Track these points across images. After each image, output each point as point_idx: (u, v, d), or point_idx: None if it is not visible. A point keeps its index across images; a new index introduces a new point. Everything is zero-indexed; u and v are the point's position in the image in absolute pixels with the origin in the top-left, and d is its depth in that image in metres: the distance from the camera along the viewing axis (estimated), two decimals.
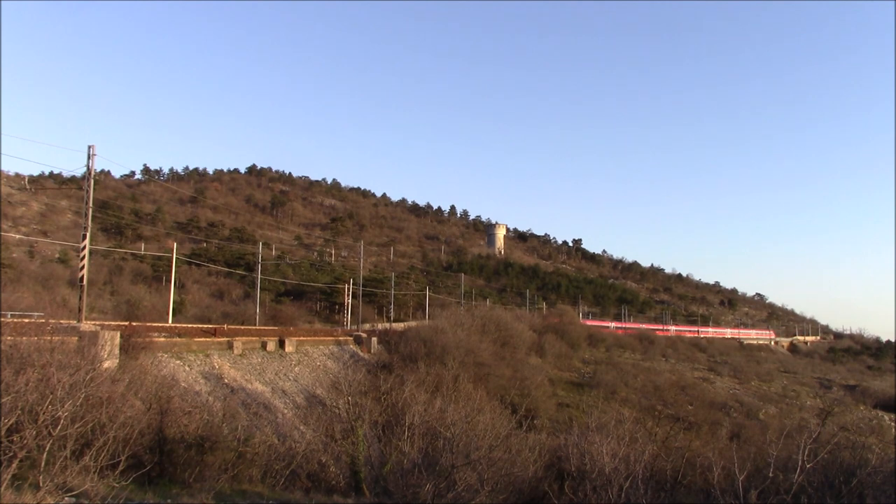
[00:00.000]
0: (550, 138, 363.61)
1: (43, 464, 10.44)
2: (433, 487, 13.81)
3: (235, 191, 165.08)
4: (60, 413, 10.84)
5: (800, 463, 13.52)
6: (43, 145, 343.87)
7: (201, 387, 24.37)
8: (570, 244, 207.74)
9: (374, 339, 42.71)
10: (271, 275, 68.63)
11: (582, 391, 50.24)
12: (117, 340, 21.77)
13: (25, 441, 10.42)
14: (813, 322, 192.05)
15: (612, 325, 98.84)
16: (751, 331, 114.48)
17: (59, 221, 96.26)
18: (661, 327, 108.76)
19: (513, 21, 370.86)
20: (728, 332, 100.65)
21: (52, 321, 21.01)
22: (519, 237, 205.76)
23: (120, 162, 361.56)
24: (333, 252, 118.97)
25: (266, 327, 36.92)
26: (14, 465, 10.15)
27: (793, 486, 13.25)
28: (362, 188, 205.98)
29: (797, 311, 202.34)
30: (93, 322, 24.66)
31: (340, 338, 40.78)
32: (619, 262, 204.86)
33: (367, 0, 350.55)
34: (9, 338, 14.74)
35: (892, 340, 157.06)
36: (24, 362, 12.69)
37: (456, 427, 16.25)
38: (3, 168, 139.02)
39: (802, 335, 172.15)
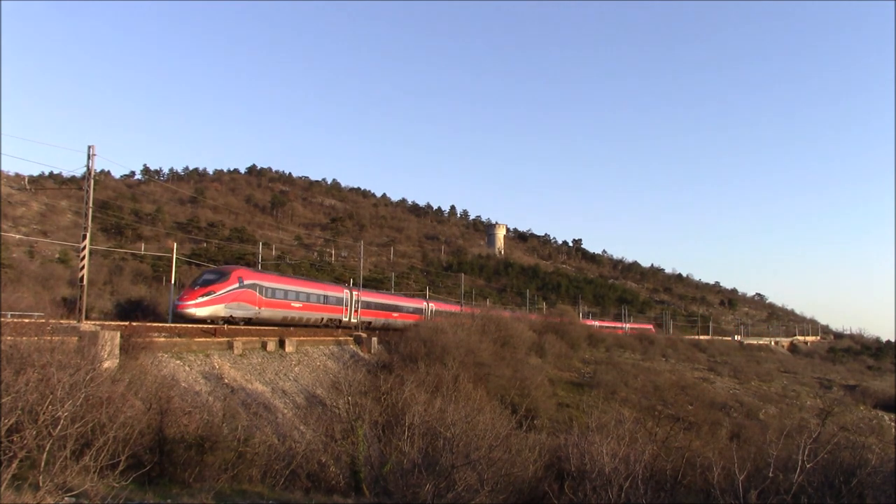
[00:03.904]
0: (550, 138, 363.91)
1: (43, 464, 10.45)
2: (433, 487, 13.81)
3: (235, 191, 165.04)
4: (60, 413, 10.85)
5: (800, 463, 13.54)
6: (43, 145, 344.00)
7: (201, 387, 24.37)
8: (570, 244, 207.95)
9: (374, 339, 42.74)
10: None
11: (582, 391, 50.23)
12: (117, 340, 21.78)
13: (25, 441, 10.43)
14: (813, 322, 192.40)
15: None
16: (626, 324, 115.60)
17: (59, 221, 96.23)
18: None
19: (512, 22, 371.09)
20: (596, 324, 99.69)
21: (52, 321, 21.02)
22: (519, 237, 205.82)
23: (120, 162, 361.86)
24: (333, 252, 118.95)
25: (266, 327, 36.91)
26: (14, 465, 10.15)
27: (793, 486, 13.26)
28: (362, 188, 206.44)
29: (797, 311, 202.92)
30: (93, 322, 24.68)
31: (340, 338, 40.79)
32: (619, 262, 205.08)
33: (367, 0, 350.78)
34: (9, 338, 14.74)
35: (892, 340, 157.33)
36: (24, 362, 12.70)
37: (456, 427, 16.26)
38: (3, 168, 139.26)
39: (802, 335, 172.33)
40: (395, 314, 52.93)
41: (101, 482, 10.60)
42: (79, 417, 11.22)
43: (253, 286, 36.00)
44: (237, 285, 34.62)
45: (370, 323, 48.58)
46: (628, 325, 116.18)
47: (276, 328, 37.38)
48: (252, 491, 14.86)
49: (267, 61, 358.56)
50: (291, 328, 39.06)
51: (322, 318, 43.16)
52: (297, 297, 40.44)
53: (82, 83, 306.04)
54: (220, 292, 33.45)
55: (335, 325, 44.48)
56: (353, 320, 46.45)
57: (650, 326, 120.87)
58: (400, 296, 62.03)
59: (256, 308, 36.07)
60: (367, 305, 48.68)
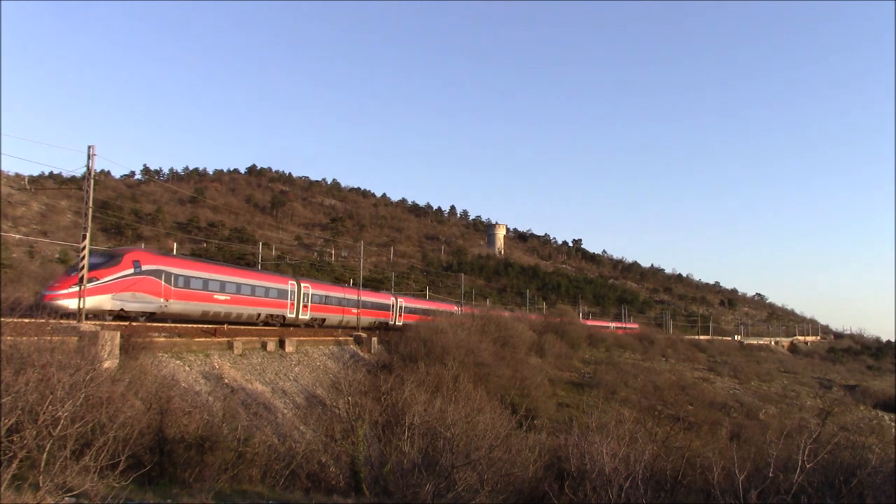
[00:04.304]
0: (550, 138, 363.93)
1: (43, 464, 10.44)
2: (433, 487, 13.82)
3: (235, 191, 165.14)
4: (60, 413, 10.84)
5: (800, 463, 13.55)
6: (43, 145, 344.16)
7: (201, 387, 24.38)
8: (570, 244, 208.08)
9: (374, 339, 42.75)
10: None
11: (582, 391, 50.28)
12: (117, 340, 21.79)
13: (25, 441, 10.43)
14: (813, 322, 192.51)
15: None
16: (611, 323, 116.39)
17: (59, 221, 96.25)
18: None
19: (512, 20, 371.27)
20: (587, 322, 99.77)
21: (52, 321, 21.00)
22: (519, 237, 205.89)
23: (120, 162, 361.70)
24: (333, 252, 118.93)
25: (266, 327, 36.88)
26: (14, 465, 10.15)
27: (793, 486, 13.26)
28: (362, 188, 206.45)
29: (797, 311, 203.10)
30: (93, 322, 24.66)
31: (340, 338, 40.78)
32: (619, 262, 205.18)
33: (368, 0, 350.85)
34: (9, 338, 14.74)
35: (892, 340, 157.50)
36: (24, 362, 12.70)
37: (456, 427, 16.27)
38: (3, 168, 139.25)
39: (802, 335, 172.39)
40: (355, 310, 47.45)
41: (101, 482, 10.60)
42: (79, 417, 11.22)
43: (156, 273, 29.07)
44: (131, 271, 27.78)
45: (324, 320, 43.60)
46: (613, 325, 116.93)
47: (275, 328, 37.32)
48: (252, 491, 14.87)
49: (267, 61, 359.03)
50: (291, 328, 38.98)
51: (259, 315, 37.05)
52: (223, 287, 33.71)
53: (83, 83, 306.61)
54: (106, 279, 26.53)
55: (278, 323, 38.85)
56: (301, 317, 40.86)
57: (636, 326, 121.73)
58: (361, 289, 52.49)
59: (161, 300, 29.31)
60: (320, 300, 43.25)
